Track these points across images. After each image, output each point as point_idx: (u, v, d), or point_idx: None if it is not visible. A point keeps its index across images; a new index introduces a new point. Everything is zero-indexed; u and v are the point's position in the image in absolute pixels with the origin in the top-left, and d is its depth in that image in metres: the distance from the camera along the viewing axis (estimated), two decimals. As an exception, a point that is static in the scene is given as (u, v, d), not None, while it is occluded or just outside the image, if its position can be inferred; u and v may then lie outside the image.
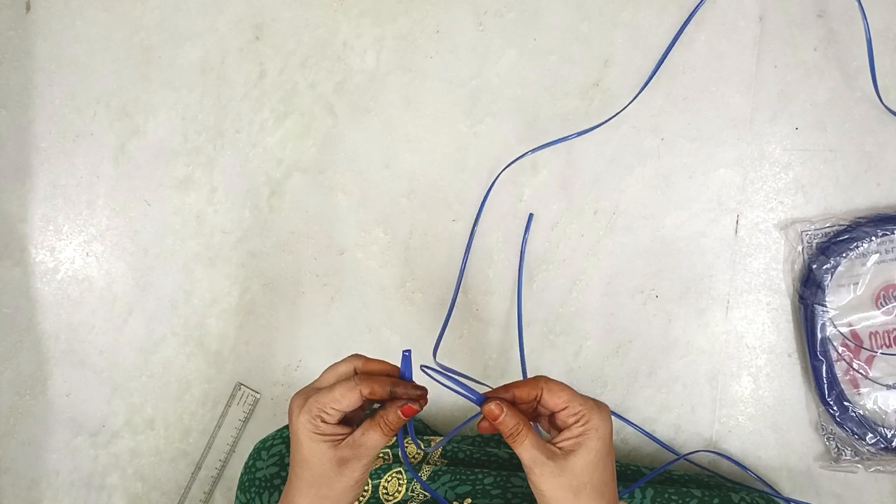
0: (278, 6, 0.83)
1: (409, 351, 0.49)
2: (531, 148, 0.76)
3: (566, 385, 0.48)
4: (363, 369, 0.50)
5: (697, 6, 0.74)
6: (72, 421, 0.86)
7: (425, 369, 0.50)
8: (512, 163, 0.77)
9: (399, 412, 0.48)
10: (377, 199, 0.81)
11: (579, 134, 0.76)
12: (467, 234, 0.79)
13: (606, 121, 0.75)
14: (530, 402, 0.49)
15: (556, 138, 0.76)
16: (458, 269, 0.79)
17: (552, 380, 0.48)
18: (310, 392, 0.49)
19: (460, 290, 0.79)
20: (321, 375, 0.50)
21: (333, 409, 0.47)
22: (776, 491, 0.72)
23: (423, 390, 0.49)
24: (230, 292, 0.84)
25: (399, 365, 0.50)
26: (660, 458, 0.76)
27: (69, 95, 0.85)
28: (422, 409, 0.49)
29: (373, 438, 0.48)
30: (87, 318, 0.86)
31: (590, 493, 0.46)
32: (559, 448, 0.47)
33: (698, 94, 0.75)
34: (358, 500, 0.64)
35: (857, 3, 0.70)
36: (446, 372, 0.50)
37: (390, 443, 0.67)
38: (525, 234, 0.77)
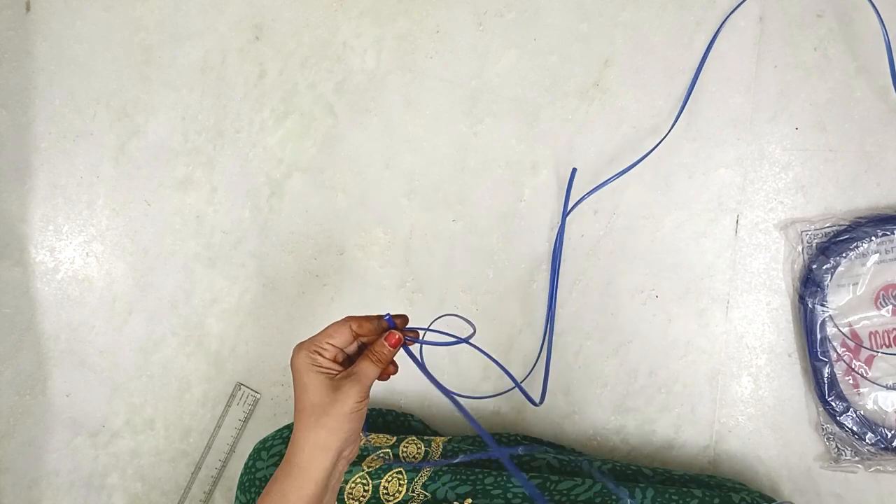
0: (278, 6, 0.82)
1: (388, 315, 0.54)
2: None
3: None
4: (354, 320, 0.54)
5: (724, 20, 0.74)
6: (72, 421, 0.86)
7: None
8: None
9: (384, 342, 0.52)
10: (377, 199, 0.81)
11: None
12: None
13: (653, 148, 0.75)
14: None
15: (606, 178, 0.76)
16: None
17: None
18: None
19: (460, 290, 0.79)
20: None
21: (329, 343, 0.52)
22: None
23: (405, 318, 0.54)
24: (230, 292, 0.84)
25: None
26: (660, 458, 0.76)
27: (69, 95, 0.85)
28: (403, 342, 0.53)
29: (364, 366, 0.52)
30: (87, 318, 0.86)
31: None
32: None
33: (698, 94, 0.75)
34: (358, 500, 0.64)
35: (861, 3, 0.70)
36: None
37: (386, 443, 0.67)
38: (568, 190, 0.77)
